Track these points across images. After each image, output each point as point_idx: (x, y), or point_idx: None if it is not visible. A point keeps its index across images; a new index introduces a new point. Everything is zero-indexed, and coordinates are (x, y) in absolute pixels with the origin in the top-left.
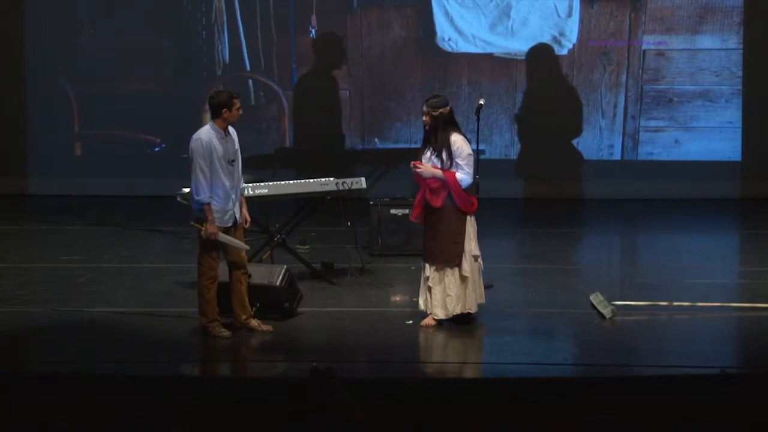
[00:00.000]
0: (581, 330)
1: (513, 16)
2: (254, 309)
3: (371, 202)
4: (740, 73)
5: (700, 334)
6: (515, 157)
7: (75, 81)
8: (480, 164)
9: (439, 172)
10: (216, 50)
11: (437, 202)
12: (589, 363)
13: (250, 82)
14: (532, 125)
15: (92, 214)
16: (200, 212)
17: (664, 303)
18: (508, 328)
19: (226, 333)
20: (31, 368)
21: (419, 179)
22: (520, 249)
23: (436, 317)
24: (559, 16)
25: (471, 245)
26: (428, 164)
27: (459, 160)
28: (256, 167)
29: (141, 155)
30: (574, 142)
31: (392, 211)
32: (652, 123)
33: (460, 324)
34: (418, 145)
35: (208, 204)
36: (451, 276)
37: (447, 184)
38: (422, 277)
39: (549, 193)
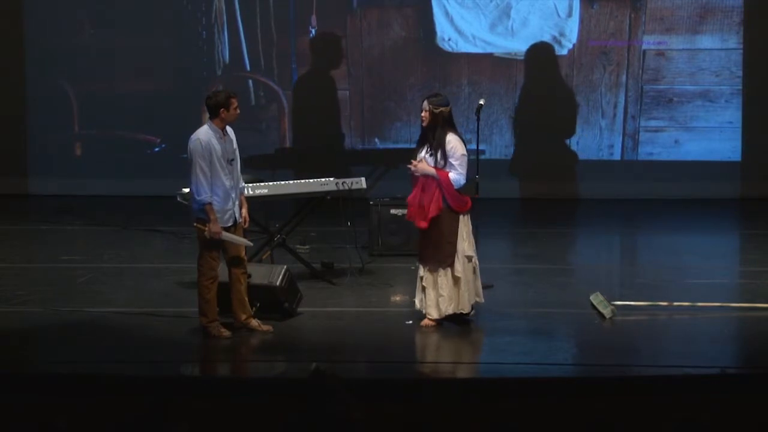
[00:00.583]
0: (581, 330)
1: (513, 16)
2: (254, 309)
3: (371, 202)
4: (740, 73)
5: (700, 334)
6: (516, 158)
7: (75, 81)
8: (480, 164)
9: (433, 171)
10: (216, 50)
11: (428, 218)
12: (589, 363)
13: (250, 82)
14: (532, 125)
15: (92, 214)
16: (201, 212)
17: (664, 303)
18: (508, 328)
19: (226, 333)
20: (31, 368)
21: (414, 179)
22: (520, 249)
23: (430, 317)
24: (559, 16)
25: (464, 245)
26: (423, 162)
27: (453, 161)
28: (256, 167)
29: (141, 155)
30: (574, 141)
31: (392, 211)
32: (652, 123)
33: (459, 324)
34: None
35: (210, 204)
36: (443, 276)
37: (440, 183)
38: (417, 277)
39: (549, 193)
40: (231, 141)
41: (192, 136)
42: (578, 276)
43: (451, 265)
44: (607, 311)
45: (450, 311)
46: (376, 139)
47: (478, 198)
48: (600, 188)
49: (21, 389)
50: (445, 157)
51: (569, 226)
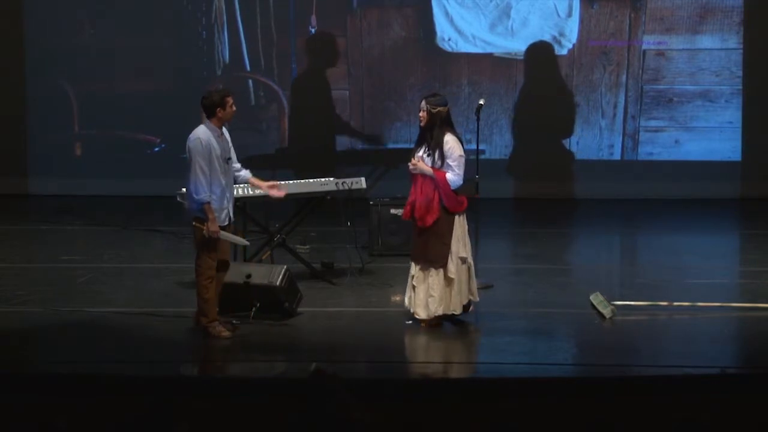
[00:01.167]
0: (581, 330)
1: (513, 16)
2: (254, 309)
3: (371, 202)
4: (740, 73)
5: (700, 334)
6: (515, 157)
7: (75, 81)
8: (480, 164)
9: (430, 171)
10: (216, 50)
11: (428, 220)
12: (589, 363)
13: (250, 82)
14: (531, 125)
15: (92, 214)
16: (199, 212)
17: (664, 303)
18: (508, 328)
19: (226, 333)
20: (31, 368)
21: (414, 177)
22: (520, 249)
23: (417, 317)
24: (559, 16)
25: (458, 246)
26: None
27: (450, 161)
28: (256, 167)
29: (141, 155)
30: (574, 141)
31: (392, 211)
32: (652, 123)
33: (458, 325)
34: None
35: (209, 203)
36: (435, 276)
37: (436, 183)
38: (409, 275)
39: (548, 193)
40: (227, 140)
41: (191, 135)
42: (578, 276)
43: (444, 265)
44: (607, 311)
45: (440, 312)
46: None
47: (479, 198)
48: (600, 188)
49: (21, 389)
50: (442, 157)
51: (569, 226)
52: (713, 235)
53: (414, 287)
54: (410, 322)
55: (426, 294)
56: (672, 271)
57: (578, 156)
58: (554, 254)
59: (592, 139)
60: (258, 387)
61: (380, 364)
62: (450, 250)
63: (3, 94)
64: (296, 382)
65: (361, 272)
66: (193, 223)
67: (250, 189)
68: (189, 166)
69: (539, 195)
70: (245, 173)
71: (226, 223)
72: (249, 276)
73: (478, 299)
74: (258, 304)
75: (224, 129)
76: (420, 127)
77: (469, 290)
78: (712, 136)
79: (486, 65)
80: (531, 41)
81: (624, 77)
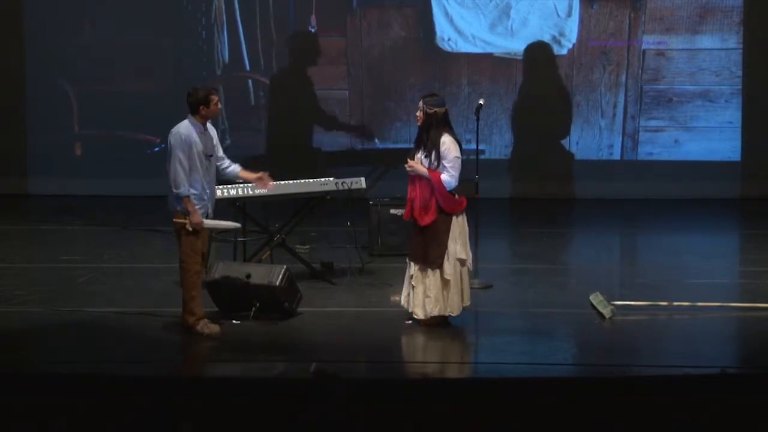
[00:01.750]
0: (581, 330)
1: (513, 16)
2: (254, 309)
3: (371, 202)
4: (740, 73)
5: (700, 334)
6: (515, 157)
7: (75, 81)
8: (480, 164)
9: (425, 172)
10: (216, 50)
11: (426, 220)
12: (589, 363)
13: (250, 82)
14: (531, 124)
15: (92, 214)
16: (179, 205)
17: (664, 303)
18: (508, 328)
19: (216, 329)
20: (31, 368)
21: (411, 178)
22: (520, 249)
23: (416, 316)
24: (558, 16)
25: (456, 248)
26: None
27: (445, 162)
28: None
29: (141, 155)
30: (574, 141)
31: (392, 211)
32: (652, 123)
33: (457, 325)
34: None
35: (188, 196)
36: (432, 277)
37: (432, 184)
38: (406, 275)
39: (548, 193)
40: (211, 137)
41: (173, 129)
42: (578, 276)
43: (440, 266)
44: (607, 311)
45: (435, 313)
46: (376, 139)
47: (479, 198)
48: (600, 188)
49: (21, 389)
50: (438, 158)
51: (569, 226)
52: (713, 235)
53: (413, 287)
54: (410, 322)
55: (423, 294)
56: (672, 271)
57: (578, 156)
58: (554, 254)
59: (592, 139)
60: (258, 387)
61: (380, 364)
62: (447, 250)
63: (3, 94)
64: (296, 382)
65: (361, 272)
66: (175, 219)
67: (249, 189)
68: (169, 160)
69: (539, 195)
70: (234, 167)
71: (205, 218)
72: (249, 276)
73: (468, 304)
74: (258, 304)
75: (210, 127)
76: (418, 127)
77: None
78: (712, 136)
79: (486, 65)
80: (531, 41)
81: (624, 77)
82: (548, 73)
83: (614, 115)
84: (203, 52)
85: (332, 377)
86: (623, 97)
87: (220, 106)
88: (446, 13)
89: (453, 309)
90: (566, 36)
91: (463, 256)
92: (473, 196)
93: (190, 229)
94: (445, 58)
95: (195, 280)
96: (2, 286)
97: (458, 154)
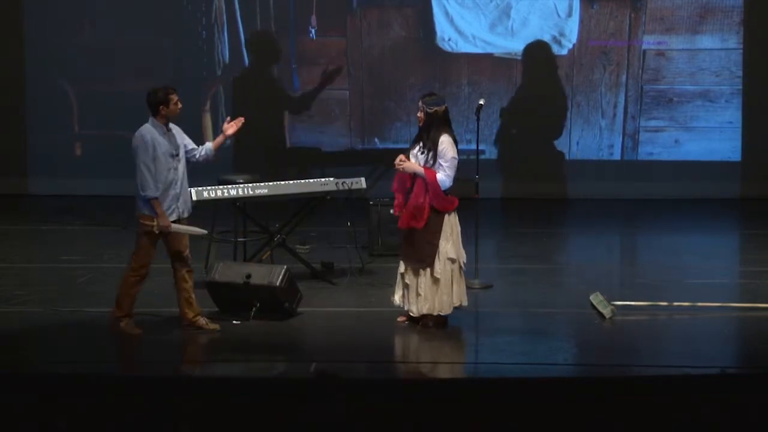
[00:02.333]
0: (581, 330)
1: (513, 16)
2: (254, 309)
3: (371, 202)
4: (740, 73)
5: (700, 334)
6: (515, 158)
7: (75, 81)
8: (480, 164)
9: (420, 169)
10: (216, 50)
11: (419, 225)
12: (589, 363)
13: None
14: (531, 125)
15: (92, 214)
16: (147, 208)
17: (664, 303)
18: (508, 328)
19: (137, 331)
20: (31, 368)
21: (402, 175)
22: (519, 249)
23: (412, 314)
24: (559, 16)
25: (447, 247)
26: (413, 160)
27: (442, 161)
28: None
29: None
30: (575, 141)
31: (392, 211)
32: (652, 123)
33: (457, 325)
34: None
35: (156, 198)
36: (423, 276)
37: (426, 181)
38: (398, 274)
39: (548, 193)
40: (174, 136)
41: (135, 133)
42: (578, 276)
43: (431, 265)
44: (607, 311)
45: (425, 311)
46: (376, 139)
47: (479, 198)
48: (600, 188)
49: (21, 389)
50: (435, 156)
51: (569, 226)
52: (713, 235)
53: (407, 285)
54: (405, 322)
55: (415, 293)
56: (672, 271)
57: (578, 156)
58: (554, 254)
59: (592, 139)
60: (258, 387)
61: (380, 364)
62: (438, 249)
63: (3, 94)
64: (296, 382)
65: (361, 272)
66: (140, 220)
67: (249, 189)
68: (135, 163)
69: (539, 195)
70: (206, 148)
71: (175, 219)
72: (249, 276)
73: (466, 304)
74: (258, 304)
75: (174, 127)
76: (419, 127)
77: (460, 295)
78: (712, 136)
79: (486, 65)
80: (531, 41)
81: (624, 77)
82: (544, 73)
83: (614, 115)
84: (203, 52)
85: (332, 377)
86: (623, 97)
87: (180, 105)
88: (446, 13)
89: (443, 308)
90: (566, 36)
91: (454, 256)
92: (473, 196)
93: (157, 231)
94: (446, 58)
95: (137, 282)
96: (2, 286)
97: (455, 154)
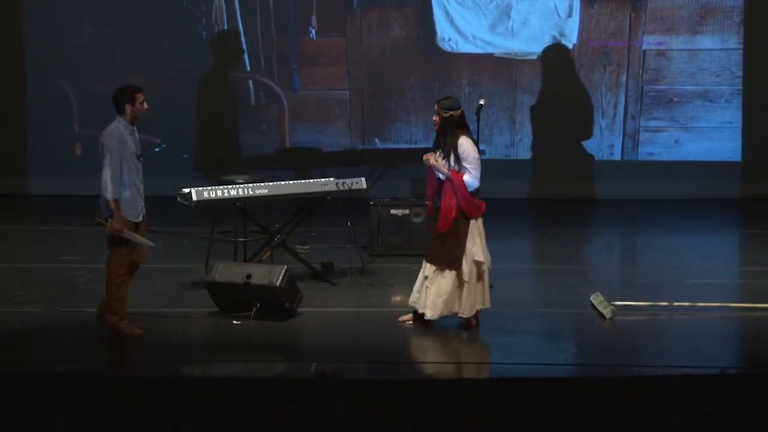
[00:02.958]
0: (581, 330)
1: (513, 16)
2: (254, 309)
3: (371, 202)
4: (740, 73)
5: (700, 334)
6: (515, 158)
7: (75, 81)
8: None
9: (444, 170)
10: None
11: (445, 226)
12: (589, 363)
13: (250, 82)
14: (532, 126)
15: (92, 214)
16: (107, 210)
17: (664, 303)
18: (508, 328)
19: (138, 330)
20: (31, 368)
21: (430, 173)
22: (520, 249)
23: (425, 317)
24: (559, 16)
25: (474, 249)
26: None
27: (466, 164)
28: (256, 167)
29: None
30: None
31: (392, 211)
32: (653, 123)
33: (459, 325)
34: (419, 145)
35: (117, 200)
36: (448, 278)
37: (453, 184)
38: (420, 275)
39: (548, 194)
40: (137, 137)
41: (104, 131)
42: (578, 276)
43: (458, 268)
44: (607, 311)
45: (444, 312)
46: (376, 139)
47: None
48: (600, 188)
49: (21, 389)
50: (458, 160)
51: (569, 226)
52: (713, 235)
53: (428, 288)
54: (410, 322)
55: (436, 295)
56: (672, 271)
57: (578, 156)
58: (554, 254)
59: (593, 139)
60: (258, 387)
61: (380, 364)
62: (464, 252)
63: (3, 94)
64: (296, 382)
65: (361, 272)
66: (96, 219)
67: (249, 189)
68: (102, 162)
69: (538, 195)
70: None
71: (140, 219)
72: (249, 276)
73: (489, 306)
74: (258, 304)
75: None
76: (436, 131)
77: (483, 297)
78: (712, 136)
79: (486, 65)
80: (531, 41)
81: (624, 77)
82: (561, 74)
83: (615, 115)
84: (203, 52)
85: (332, 377)
86: (623, 98)
87: (146, 106)
88: (446, 13)
89: (464, 310)
90: (567, 36)
91: (480, 258)
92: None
93: (108, 233)
94: (446, 58)
95: (120, 283)
96: (2, 286)
97: (477, 154)
